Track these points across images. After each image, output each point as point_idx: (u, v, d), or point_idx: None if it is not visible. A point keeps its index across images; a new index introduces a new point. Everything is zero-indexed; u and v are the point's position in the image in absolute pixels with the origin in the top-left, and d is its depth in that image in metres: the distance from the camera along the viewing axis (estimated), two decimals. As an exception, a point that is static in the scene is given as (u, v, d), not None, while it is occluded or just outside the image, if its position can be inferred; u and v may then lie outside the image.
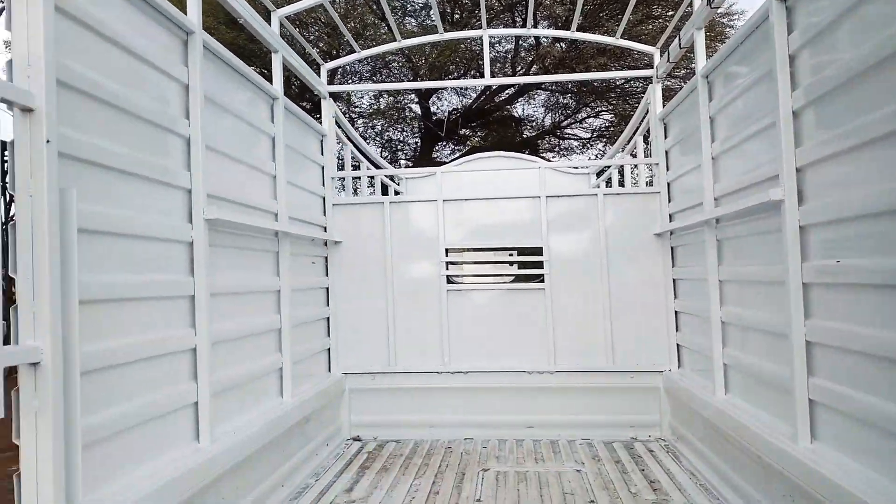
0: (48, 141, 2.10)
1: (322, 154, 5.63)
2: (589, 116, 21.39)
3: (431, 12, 15.41)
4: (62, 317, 2.15)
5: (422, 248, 5.66)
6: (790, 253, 3.10)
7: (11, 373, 2.09)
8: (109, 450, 2.51)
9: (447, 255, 5.63)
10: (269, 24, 4.53)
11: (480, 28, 5.66)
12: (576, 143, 22.31)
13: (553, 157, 22.19)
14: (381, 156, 21.63)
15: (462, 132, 20.89)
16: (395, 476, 4.61)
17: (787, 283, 3.12)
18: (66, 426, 2.16)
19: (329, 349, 5.58)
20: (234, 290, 3.72)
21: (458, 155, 21.01)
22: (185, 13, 3.22)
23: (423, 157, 20.12)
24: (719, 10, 4.39)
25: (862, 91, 2.57)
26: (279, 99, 4.44)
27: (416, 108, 19.56)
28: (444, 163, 19.69)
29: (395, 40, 5.90)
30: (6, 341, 2.07)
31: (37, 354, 2.07)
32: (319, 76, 5.72)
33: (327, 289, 5.60)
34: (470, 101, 19.37)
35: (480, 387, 5.53)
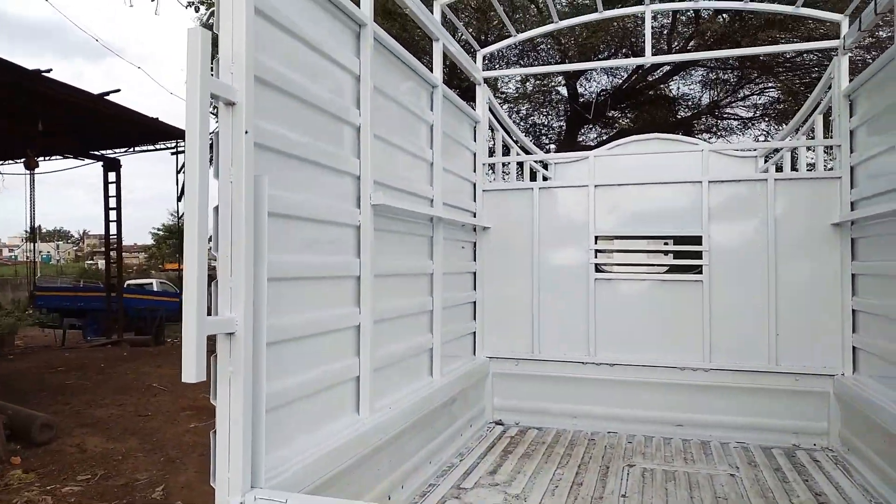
0: (246, 132, 2.32)
1: (474, 140, 5.71)
2: (752, 94, 19.72)
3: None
4: (254, 292, 2.38)
5: (571, 234, 5.57)
6: None
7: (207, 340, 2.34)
8: (285, 416, 2.75)
9: (597, 243, 5.50)
10: (432, 13, 4.65)
11: (641, 3, 5.38)
12: (736, 124, 20.68)
13: (710, 138, 20.79)
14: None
15: (610, 114, 20.15)
16: (537, 463, 4.62)
17: None
18: (254, 391, 2.40)
19: (475, 333, 5.69)
20: (393, 271, 3.90)
21: (605, 139, 20.29)
22: (359, 6, 3.39)
23: (568, 141, 19.69)
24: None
25: None
26: (438, 87, 4.55)
27: (563, 91, 19.14)
28: (590, 146, 19.12)
29: (551, 21, 5.77)
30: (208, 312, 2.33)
31: (233, 325, 2.31)
32: (475, 62, 5.79)
33: (474, 273, 5.70)
34: (620, 80, 18.61)
35: (627, 380, 5.37)
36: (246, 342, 2.34)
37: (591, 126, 21.03)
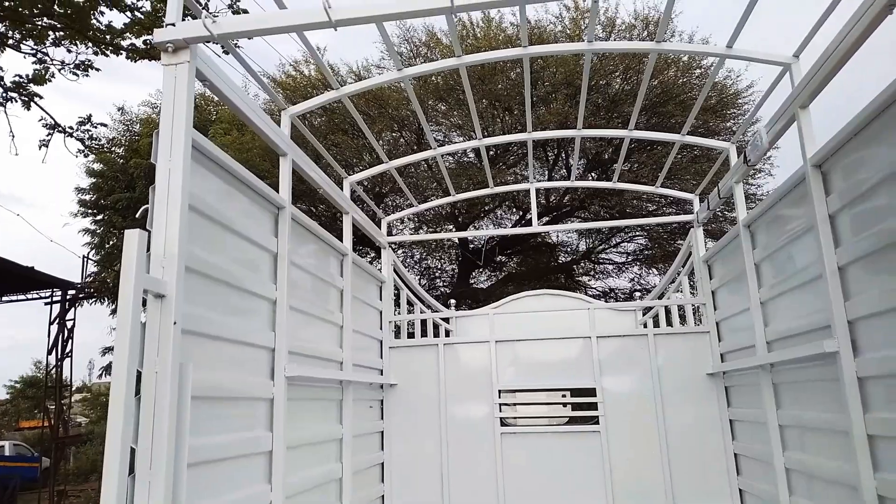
0: (175, 322, 2.39)
1: (380, 299, 5.93)
2: (623, 241, 21.74)
3: (463, 158, 16.35)
4: (174, 483, 2.32)
5: (475, 389, 5.73)
6: (851, 404, 3.12)
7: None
8: None
9: (500, 397, 5.69)
10: (342, 189, 5.01)
11: (527, 182, 6.08)
12: (611, 267, 22.50)
13: (589, 280, 22.36)
14: (420, 283, 22.14)
15: (498, 259, 21.38)
16: None
17: (851, 434, 3.12)
18: None
19: (383, 496, 5.54)
20: (304, 441, 3.85)
21: (494, 281, 21.35)
22: (278, 192, 3.64)
23: (461, 284, 20.49)
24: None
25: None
26: (348, 255, 4.81)
27: (455, 238, 20.23)
28: (482, 289, 19.88)
29: (449, 194, 6.36)
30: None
31: (150, 524, 2.22)
32: (380, 228, 6.16)
33: (381, 432, 5.65)
34: (506, 228, 20.01)
35: None
36: (162, 541, 2.24)
37: (481, 270, 22.10)
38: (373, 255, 16.56)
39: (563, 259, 22.27)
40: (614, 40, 14.22)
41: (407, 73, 4.24)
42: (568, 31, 14.96)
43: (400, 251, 21.35)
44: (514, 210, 18.90)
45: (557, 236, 22.34)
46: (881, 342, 2.99)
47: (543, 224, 18.50)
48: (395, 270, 6.28)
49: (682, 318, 6.63)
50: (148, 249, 2.41)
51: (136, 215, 2.49)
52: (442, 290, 22.78)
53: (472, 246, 20.32)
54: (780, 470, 4.16)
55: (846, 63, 3.20)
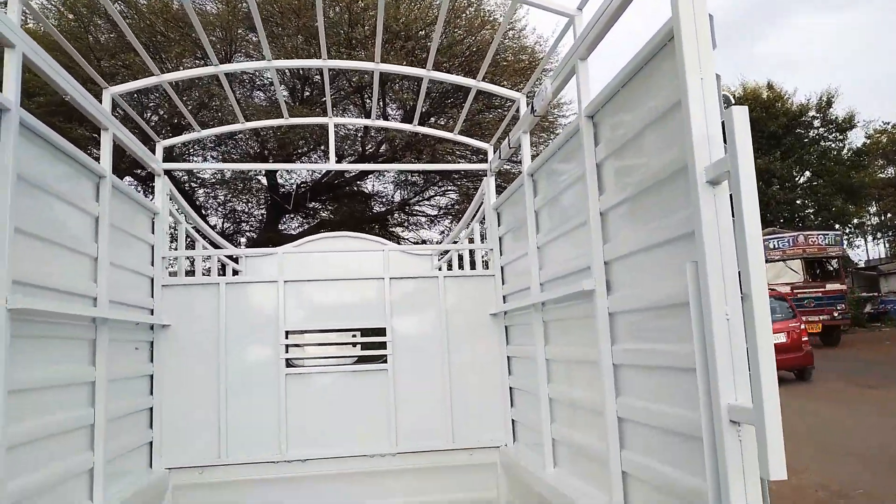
0: None
1: (152, 233, 5.33)
2: (436, 195, 22.30)
3: (276, 95, 15.54)
4: None
5: (260, 330, 5.44)
6: (601, 337, 3.42)
7: None
8: None
9: (287, 338, 5.48)
10: (101, 102, 4.32)
11: (326, 115, 5.79)
12: (424, 220, 23.05)
13: (402, 231, 22.73)
14: (224, 227, 20.80)
15: (311, 205, 20.77)
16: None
17: (600, 364, 3.42)
18: None
19: (151, 442, 5.11)
20: (36, 385, 3.34)
21: (306, 228, 20.78)
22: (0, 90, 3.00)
23: (269, 229, 19.62)
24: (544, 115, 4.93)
25: (649, 201, 2.99)
26: (106, 178, 4.19)
27: (264, 180, 19.22)
28: (292, 236, 19.31)
29: (237, 122, 5.84)
30: None
31: None
32: (155, 153, 5.49)
33: (151, 376, 5.17)
34: (320, 175, 19.45)
35: (320, 474, 5.32)
36: None
37: (292, 216, 21.34)
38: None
39: (378, 209, 22.30)
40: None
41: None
42: (388, -28, 14.57)
43: (201, 191, 19.83)
44: (326, 162, 18.45)
45: (373, 186, 22.23)
46: (627, 281, 3.28)
47: (353, 167, 18.08)
48: (172, 199, 5.67)
49: (473, 264, 6.89)
50: None
51: None
52: (248, 234, 21.68)
53: (282, 190, 19.48)
54: (545, 400, 4.50)
55: (619, 19, 3.37)
